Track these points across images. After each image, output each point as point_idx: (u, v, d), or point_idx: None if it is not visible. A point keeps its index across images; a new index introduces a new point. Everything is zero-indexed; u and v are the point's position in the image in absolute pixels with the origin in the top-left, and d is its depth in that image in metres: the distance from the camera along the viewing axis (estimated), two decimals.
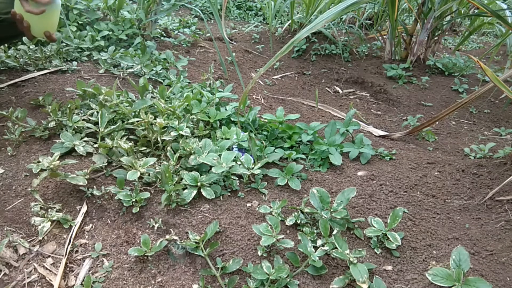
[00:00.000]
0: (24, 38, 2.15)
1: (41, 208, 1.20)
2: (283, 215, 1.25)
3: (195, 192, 1.28)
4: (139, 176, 1.29)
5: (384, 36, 3.15)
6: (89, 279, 1.02)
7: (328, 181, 1.48)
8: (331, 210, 1.21)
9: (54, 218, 1.17)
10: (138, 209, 1.22)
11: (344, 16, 3.65)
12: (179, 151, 1.40)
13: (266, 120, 1.78)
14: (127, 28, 2.49)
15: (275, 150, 1.56)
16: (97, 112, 1.54)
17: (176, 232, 1.18)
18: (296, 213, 1.24)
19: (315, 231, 1.19)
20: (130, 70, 2.10)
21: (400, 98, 2.53)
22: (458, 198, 1.45)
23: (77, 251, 1.13)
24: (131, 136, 1.53)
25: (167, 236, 1.13)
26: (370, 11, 3.82)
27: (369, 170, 1.57)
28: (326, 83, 2.79)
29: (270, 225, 1.15)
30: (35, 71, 1.98)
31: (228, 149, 1.46)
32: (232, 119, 1.78)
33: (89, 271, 1.08)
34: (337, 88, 2.70)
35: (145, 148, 1.46)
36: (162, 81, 2.15)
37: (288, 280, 1.04)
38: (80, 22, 2.39)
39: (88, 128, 1.47)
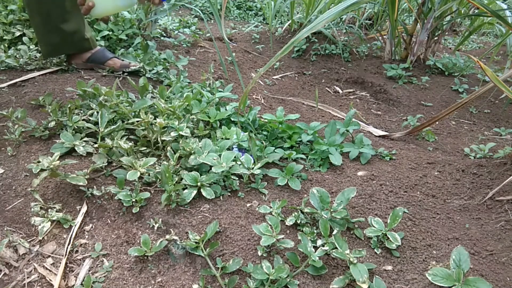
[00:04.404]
0: (25, 38, 2.15)
1: (41, 208, 1.20)
2: (283, 215, 1.25)
3: (195, 192, 1.28)
4: (139, 176, 1.29)
5: (384, 36, 3.15)
6: (89, 279, 1.02)
7: (328, 181, 1.48)
8: (331, 210, 1.21)
9: (54, 218, 1.17)
10: (138, 209, 1.22)
11: (344, 16, 3.66)
12: (179, 151, 1.40)
13: (266, 120, 1.78)
14: (127, 28, 2.49)
15: (275, 150, 1.56)
16: (97, 112, 1.54)
17: (176, 232, 1.18)
18: (296, 213, 1.24)
19: (315, 231, 1.19)
20: (133, 67, 2.10)
21: (400, 98, 2.53)
22: (458, 198, 1.45)
23: (77, 251, 1.13)
24: (131, 136, 1.53)
25: (167, 236, 1.13)
26: (370, 11, 3.82)
27: (369, 170, 1.57)
28: (326, 83, 2.79)
29: (270, 225, 1.15)
30: (35, 71, 1.98)
31: (228, 149, 1.46)
32: (232, 119, 1.78)
33: (89, 271, 1.08)
34: (337, 88, 2.70)
35: (145, 148, 1.46)
36: (162, 81, 2.15)
37: (288, 280, 1.04)
38: None
39: (88, 128, 1.47)
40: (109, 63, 2.06)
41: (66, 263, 1.08)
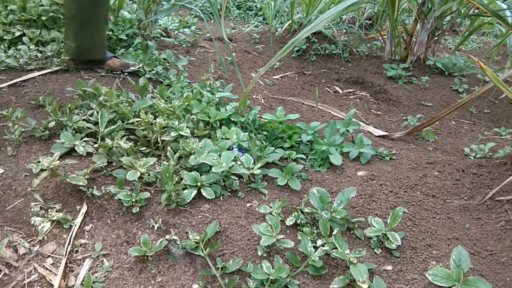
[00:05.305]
0: (25, 38, 2.15)
1: (41, 208, 1.20)
2: (283, 215, 1.25)
3: (195, 192, 1.28)
4: (139, 176, 1.29)
5: (384, 36, 3.15)
6: (89, 279, 1.02)
7: (328, 181, 1.48)
8: (331, 210, 1.21)
9: (54, 218, 1.17)
10: (138, 209, 1.22)
11: (344, 16, 3.65)
12: (179, 151, 1.40)
13: (266, 120, 1.78)
14: (127, 28, 2.49)
15: (275, 150, 1.56)
16: (97, 112, 1.54)
17: (176, 232, 1.18)
18: (296, 213, 1.24)
19: (315, 231, 1.19)
20: (132, 68, 2.10)
21: (400, 98, 2.53)
22: (458, 198, 1.45)
23: (77, 251, 1.13)
24: (131, 136, 1.53)
25: (167, 236, 1.13)
26: (370, 11, 3.82)
27: (369, 170, 1.57)
28: (326, 83, 2.79)
29: (270, 225, 1.15)
30: (35, 71, 1.98)
31: (228, 149, 1.46)
32: (232, 119, 1.78)
33: (89, 271, 1.08)
34: (337, 88, 2.70)
35: (145, 148, 1.46)
36: (162, 81, 2.15)
37: (288, 280, 1.04)
38: None
39: (88, 128, 1.47)
40: (108, 63, 2.07)
41: (66, 263, 1.08)
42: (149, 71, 2.13)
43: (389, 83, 2.72)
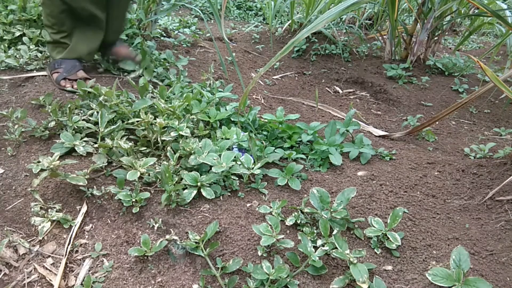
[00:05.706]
0: (25, 38, 2.15)
1: (41, 208, 1.20)
2: (283, 215, 1.25)
3: (195, 192, 1.28)
4: (139, 176, 1.29)
5: (384, 36, 3.15)
6: (89, 279, 1.02)
7: (328, 181, 1.48)
8: (331, 210, 1.21)
9: (54, 218, 1.17)
10: (138, 209, 1.22)
11: (344, 16, 3.65)
12: (179, 151, 1.40)
13: (266, 120, 1.78)
14: (127, 28, 2.49)
15: (275, 150, 1.56)
16: (97, 112, 1.54)
17: (176, 232, 1.18)
18: (296, 213, 1.24)
19: (315, 231, 1.19)
20: (132, 75, 2.07)
21: (400, 98, 2.53)
22: (458, 198, 1.45)
23: (77, 251, 1.13)
24: (131, 136, 1.53)
25: (167, 236, 1.13)
26: (370, 11, 3.82)
27: (369, 170, 1.57)
28: (326, 83, 2.79)
29: (270, 225, 1.15)
30: (35, 71, 1.98)
31: (228, 149, 1.46)
32: (232, 119, 1.78)
33: (89, 271, 1.08)
34: (337, 88, 2.70)
35: (145, 148, 1.46)
36: (162, 80, 2.15)
37: (288, 280, 1.04)
38: None
39: (88, 128, 1.47)
40: (115, 50, 2.06)
41: (66, 263, 1.08)
42: (150, 76, 2.11)
43: (389, 83, 2.72)
